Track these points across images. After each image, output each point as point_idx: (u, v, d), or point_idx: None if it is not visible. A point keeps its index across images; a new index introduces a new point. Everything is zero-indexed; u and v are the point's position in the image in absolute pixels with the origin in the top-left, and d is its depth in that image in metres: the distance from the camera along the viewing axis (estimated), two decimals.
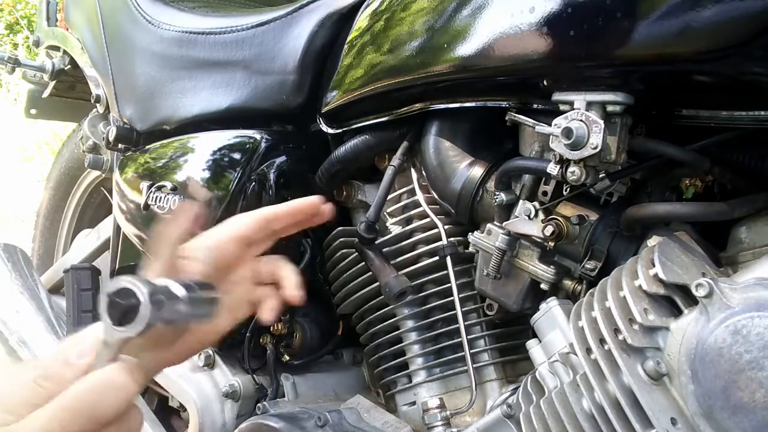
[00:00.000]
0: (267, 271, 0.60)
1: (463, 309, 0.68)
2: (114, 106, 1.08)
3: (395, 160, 0.73)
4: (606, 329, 0.46)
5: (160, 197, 0.90)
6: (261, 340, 0.86)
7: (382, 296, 0.75)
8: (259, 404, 0.79)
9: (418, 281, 0.72)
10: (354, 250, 0.77)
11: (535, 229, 0.59)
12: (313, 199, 0.60)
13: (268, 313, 0.58)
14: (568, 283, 0.60)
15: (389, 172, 0.72)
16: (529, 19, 0.51)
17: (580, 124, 0.51)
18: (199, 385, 0.84)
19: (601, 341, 0.46)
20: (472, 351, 0.68)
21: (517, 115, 0.60)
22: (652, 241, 0.52)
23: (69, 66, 1.33)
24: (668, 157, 0.54)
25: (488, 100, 0.63)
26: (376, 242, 0.73)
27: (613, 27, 0.47)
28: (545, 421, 0.50)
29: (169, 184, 0.90)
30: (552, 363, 0.53)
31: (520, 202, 0.61)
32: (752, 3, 0.41)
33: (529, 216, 0.60)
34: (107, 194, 1.48)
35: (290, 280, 0.59)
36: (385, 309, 0.76)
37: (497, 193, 0.62)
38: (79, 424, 0.39)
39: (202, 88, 0.91)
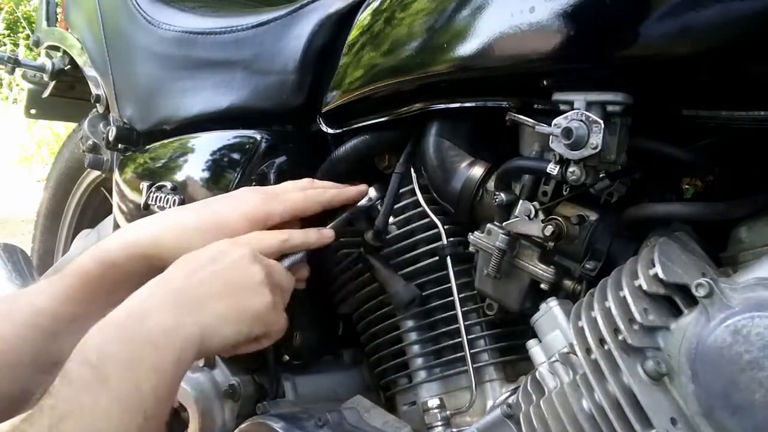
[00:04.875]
0: None
1: (463, 309, 0.68)
2: (114, 106, 1.08)
3: (399, 167, 0.73)
4: (606, 329, 0.46)
5: (160, 197, 0.90)
6: None
7: (382, 296, 0.75)
8: (259, 404, 0.79)
9: (418, 281, 0.72)
10: (354, 249, 0.77)
11: (535, 229, 0.59)
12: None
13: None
14: (568, 283, 0.60)
15: (395, 179, 0.72)
16: (529, 19, 0.51)
17: (580, 124, 0.51)
18: (199, 385, 0.84)
19: (601, 341, 0.46)
20: (472, 351, 0.68)
21: (517, 115, 0.60)
22: (652, 241, 0.52)
23: (69, 66, 1.33)
24: (668, 157, 0.54)
25: (488, 100, 0.63)
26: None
27: (613, 27, 0.47)
28: (545, 421, 0.50)
29: (169, 184, 0.90)
30: (552, 363, 0.53)
31: (520, 202, 0.61)
32: (752, 3, 0.41)
33: (529, 216, 0.60)
34: (107, 194, 1.48)
35: None
36: (385, 309, 0.76)
37: (497, 193, 0.62)
38: None
39: (202, 88, 0.91)
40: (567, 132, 0.51)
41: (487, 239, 0.64)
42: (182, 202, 0.88)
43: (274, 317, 0.60)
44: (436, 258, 0.71)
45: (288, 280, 0.63)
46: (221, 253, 0.58)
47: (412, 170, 0.74)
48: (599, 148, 0.50)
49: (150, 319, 0.50)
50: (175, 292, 0.54)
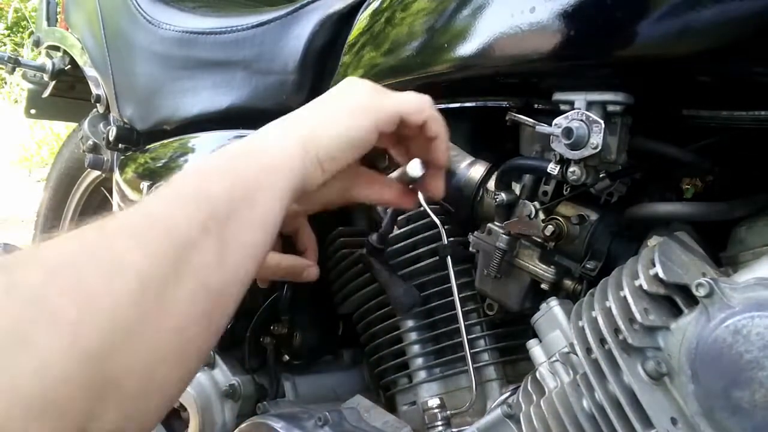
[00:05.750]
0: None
1: (463, 309, 0.68)
2: (114, 106, 1.08)
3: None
4: (606, 329, 0.46)
5: None
6: (261, 340, 0.86)
7: (383, 296, 0.75)
8: (259, 404, 0.79)
9: (419, 281, 0.72)
10: (355, 249, 0.77)
11: (535, 229, 0.59)
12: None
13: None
14: (569, 283, 0.60)
15: None
16: (529, 19, 0.51)
17: (580, 124, 0.51)
18: (199, 385, 0.84)
19: (602, 341, 0.46)
20: (472, 351, 0.68)
21: (517, 115, 0.60)
22: (653, 241, 0.52)
23: (69, 66, 1.33)
24: (668, 157, 0.54)
25: (488, 100, 0.63)
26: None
27: (613, 27, 0.47)
28: (545, 421, 0.50)
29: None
30: (552, 363, 0.53)
31: (521, 202, 0.61)
32: (752, 3, 0.41)
33: (529, 216, 0.60)
34: (107, 194, 1.48)
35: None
36: (385, 309, 0.76)
37: (497, 193, 0.62)
38: None
39: (202, 88, 0.91)
40: (567, 132, 0.51)
41: (488, 239, 0.64)
42: None
43: (390, 99, 0.52)
44: (437, 258, 0.71)
45: None
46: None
47: None
48: (599, 148, 0.50)
49: (247, 141, 0.46)
50: (281, 120, 0.50)
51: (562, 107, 0.54)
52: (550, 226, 0.58)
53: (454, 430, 0.66)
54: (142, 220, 0.38)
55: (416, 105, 0.52)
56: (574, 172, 0.53)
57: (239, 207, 0.41)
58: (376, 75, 0.69)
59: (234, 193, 0.41)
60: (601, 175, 0.54)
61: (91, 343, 0.31)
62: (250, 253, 0.41)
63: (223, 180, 0.41)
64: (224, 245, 0.39)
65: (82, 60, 1.21)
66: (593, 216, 0.58)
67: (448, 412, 0.67)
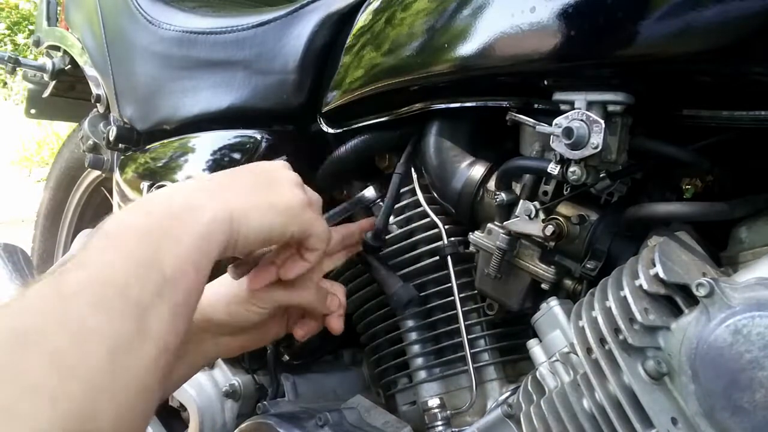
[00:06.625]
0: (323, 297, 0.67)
1: (463, 309, 0.68)
2: (114, 106, 1.08)
3: (400, 167, 0.72)
4: (606, 329, 0.46)
5: None
6: None
7: (382, 296, 0.75)
8: (259, 404, 0.79)
9: (419, 281, 0.72)
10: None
11: (535, 228, 0.59)
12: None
13: (302, 331, 0.69)
14: (569, 283, 0.60)
15: (395, 180, 0.72)
16: (529, 19, 0.51)
17: (580, 124, 0.51)
18: (199, 385, 0.84)
19: (602, 341, 0.46)
20: (472, 351, 0.68)
21: (517, 114, 0.60)
22: (653, 241, 0.52)
23: (69, 66, 1.33)
24: (668, 157, 0.54)
25: (488, 100, 0.63)
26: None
27: (613, 27, 0.47)
28: (546, 421, 0.50)
29: (169, 184, 0.90)
30: (552, 363, 0.53)
31: (521, 201, 0.61)
32: (752, 3, 0.41)
33: (529, 216, 0.60)
34: (107, 194, 1.48)
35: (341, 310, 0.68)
36: (386, 309, 0.76)
37: (497, 192, 0.62)
38: None
39: (202, 88, 0.91)
40: (568, 132, 0.51)
41: (488, 239, 0.64)
42: None
43: (309, 217, 0.56)
44: (437, 258, 0.71)
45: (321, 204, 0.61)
46: (257, 164, 0.59)
47: (413, 170, 0.74)
48: (600, 147, 0.50)
49: (175, 199, 0.48)
50: (206, 182, 0.54)
51: (563, 107, 0.54)
52: (550, 226, 0.58)
53: (454, 430, 0.66)
54: (97, 283, 0.39)
55: (324, 236, 0.59)
56: (574, 172, 0.53)
57: (188, 273, 0.44)
58: (376, 75, 0.69)
59: (182, 259, 0.43)
60: (601, 175, 0.54)
61: (72, 411, 0.34)
62: (191, 314, 0.45)
63: (172, 246, 0.44)
64: (175, 308, 0.42)
65: (82, 60, 1.21)
66: (593, 216, 0.59)
67: (448, 412, 0.67)
